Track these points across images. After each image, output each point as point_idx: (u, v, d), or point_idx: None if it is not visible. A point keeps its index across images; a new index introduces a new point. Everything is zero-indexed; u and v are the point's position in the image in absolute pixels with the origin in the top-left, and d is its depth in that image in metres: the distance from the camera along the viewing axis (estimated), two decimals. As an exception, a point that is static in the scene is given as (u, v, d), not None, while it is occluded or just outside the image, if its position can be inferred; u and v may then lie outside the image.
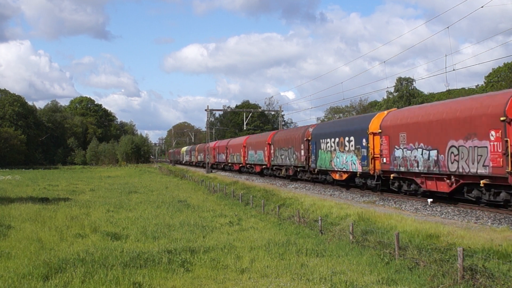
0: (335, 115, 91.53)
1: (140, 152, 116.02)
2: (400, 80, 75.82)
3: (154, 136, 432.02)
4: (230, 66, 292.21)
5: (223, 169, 58.42)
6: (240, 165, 48.36)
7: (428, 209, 17.87)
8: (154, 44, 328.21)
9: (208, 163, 62.13)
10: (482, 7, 21.37)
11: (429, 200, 19.03)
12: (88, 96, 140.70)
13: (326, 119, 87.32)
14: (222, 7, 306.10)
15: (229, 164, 54.12)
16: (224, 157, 55.85)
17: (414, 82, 75.69)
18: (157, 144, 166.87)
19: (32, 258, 11.29)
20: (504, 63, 66.52)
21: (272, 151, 37.79)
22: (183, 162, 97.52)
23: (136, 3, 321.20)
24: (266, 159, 39.06)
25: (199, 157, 75.74)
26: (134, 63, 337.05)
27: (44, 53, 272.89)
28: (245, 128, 73.56)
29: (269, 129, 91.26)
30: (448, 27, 30.25)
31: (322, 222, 14.97)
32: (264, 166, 40.25)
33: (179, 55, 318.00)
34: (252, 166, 44.53)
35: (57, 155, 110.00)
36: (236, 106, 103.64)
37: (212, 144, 65.64)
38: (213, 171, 60.11)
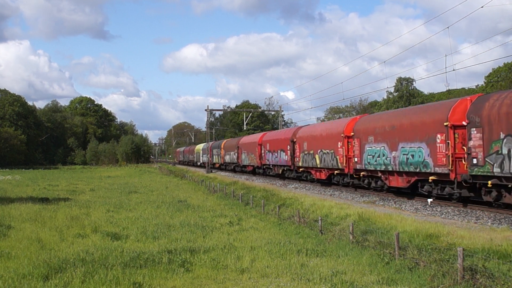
0: (335, 115, 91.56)
1: (140, 152, 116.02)
2: (400, 80, 75.91)
3: (154, 136, 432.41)
4: (230, 66, 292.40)
5: (281, 177, 36.52)
6: (335, 171, 26.29)
7: (428, 209, 17.87)
8: (153, 44, 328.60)
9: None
10: (482, 7, 21.38)
11: (429, 200, 19.03)
12: (88, 96, 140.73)
13: (326, 119, 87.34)
14: (221, 7, 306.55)
15: (301, 170, 31.68)
16: (285, 157, 33.96)
17: (414, 82, 75.80)
18: (157, 144, 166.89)
19: (32, 258, 11.29)
20: (504, 63, 66.55)
21: (481, 141, 15.83)
22: (199, 163, 73.67)
23: (134, 3, 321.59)
24: (445, 160, 17.44)
25: (227, 157, 53.24)
26: (133, 63, 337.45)
27: (44, 53, 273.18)
28: (245, 128, 73.62)
29: (269, 128, 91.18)
30: (448, 27, 30.25)
31: (322, 222, 14.97)
32: (421, 177, 19.07)
33: (178, 55, 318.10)
34: (379, 174, 21.95)
35: (57, 155, 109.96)
36: (236, 106, 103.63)
37: (256, 136, 43.66)
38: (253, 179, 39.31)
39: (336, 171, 26.45)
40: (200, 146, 75.86)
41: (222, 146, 57.13)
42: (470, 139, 16.36)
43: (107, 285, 9.05)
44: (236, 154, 49.69)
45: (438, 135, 17.87)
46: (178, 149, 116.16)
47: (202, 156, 69.91)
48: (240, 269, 10.29)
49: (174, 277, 9.72)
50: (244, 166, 46.99)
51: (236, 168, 50.76)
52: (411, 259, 10.35)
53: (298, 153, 31.46)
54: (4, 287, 9.05)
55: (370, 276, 9.62)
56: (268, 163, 38.98)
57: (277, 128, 74.38)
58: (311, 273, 9.77)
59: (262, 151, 40.28)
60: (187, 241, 13.68)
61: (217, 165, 60.48)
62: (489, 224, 14.51)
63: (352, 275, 9.67)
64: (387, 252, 11.09)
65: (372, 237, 12.62)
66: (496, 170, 15.17)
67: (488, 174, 15.55)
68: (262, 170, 41.25)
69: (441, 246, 11.18)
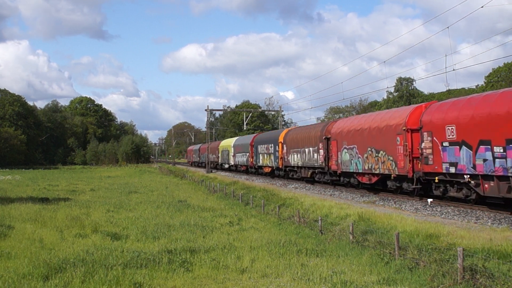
0: (335, 115, 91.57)
1: (140, 152, 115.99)
2: (400, 80, 75.94)
3: (154, 136, 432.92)
4: (229, 66, 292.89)
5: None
6: None
7: (428, 209, 17.87)
8: (152, 44, 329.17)
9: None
10: (482, 7, 21.36)
11: (429, 200, 19.02)
12: (88, 96, 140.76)
13: (326, 119, 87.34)
14: (219, 7, 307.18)
15: None
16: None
17: (414, 82, 75.87)
18: (157, 144, 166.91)
19: (32, 258, 11.28)
20: (504, 63, 66.57)
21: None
22: (226, 166, 55.14)
23: (133, 3, 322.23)
24: None
25: (295, 156, 32.26)
26: (133, 63, 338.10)
27: (43, 53, 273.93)
28: (245, 128, 73.53)
29: (269, 129, 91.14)
30: (448, 27, 30.20)
31: (322, 222, 14.97)
32: None
33: (178, 55, 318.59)
34: None
35: (57, 155, 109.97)
36: (236, 106, 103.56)
37: (386, 115, 22.41)
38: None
39: None
40: (229, 142, 54.71)
41: (281, 139, 35.38)
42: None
43: (107, 285, 9.05)
44: (320, 152, 27.90)
45: None
46: (191, 147, 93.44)
47: (236, 155, 49.68)
48: (240, 269, 10.29)
49: (174, 277, 9.72)
50: (348, 174, 25.10)
51: (320, 177, 28.77)
52: (411, 259, 10.35)
53: None
54: (4, 287, 9.05)
55: (370, 276, 9.62)
56: (454, 171, 17.15)
57: (277, 128, 73.85)
58: (311, 273, 9.77)
59: (423, 145, 18.87)
60: (187, 241, 13.67)
61: (267, 170, 38.67)
62: (489, 224, 14.50)
63: (352, 275, 9.66)
64: (387, 252, 11.09)
65: (372, 237, 12.62)
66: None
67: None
68: (415, 185, 19.43)
69: (441, 246, 11.18)
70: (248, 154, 44.83)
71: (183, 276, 9.83)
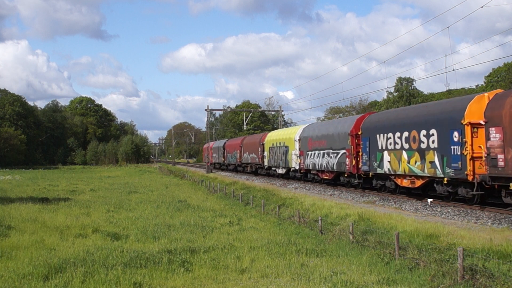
0: (335, 115, 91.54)
1: (140, 152, 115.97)
2: (400, 80, 75.89)
3: (154, 136, 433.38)
4: (228, 66, 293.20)
5: None
6: None
7: (428, 209, 17.87)
8: (151, 44, 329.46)
9: None
10: (482, 7, 21.36)
11: (429, 200, 19.03)
12: (88, 96, 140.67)
13: (326, 119, 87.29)
14: (217, 7, 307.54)
15: None
16: None
17: (414, 82, 75.83)
18: (157, 144, 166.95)
19: (33, 258, 11.28)
20: (504, 63, 66.60)
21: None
22: (280, 171, 35.99)
23: (131, 3, 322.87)
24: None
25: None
26: (132, 63, 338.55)
27: (42, 53, 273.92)
28: (245, 128, 73.44)
29: (269, 129, 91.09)
30: (448, 27, 30.10)
31: (322, 222, 14.97)
32: None
33: (177, 55, 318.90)
34: None
35: (57, 155, 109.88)
36: (236, 106, 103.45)
37: None
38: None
39: None
40: (289, 133, 34.80)
41: (472, 118, 16.02)
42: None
43: (107, 285, 9.05)
44: None
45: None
46: (209, 144, 65.93)
47: (307, 154, 30.32)
48: (240, 269, 10.29)
49: (174, 277, 9.72)
50: None
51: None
52: (411, 259, 10.35)
53: None
54: (4, 287, 9.05)
55: (370, 276, 9.62)
56: None
57: (277, 128, 73.76)
58: (311, 273, 9.77)
59: None
60: (187, 241, 13.68)
61: (407, 183, 20.18)
62: (489, 224, 14.51)
63: (352, 275, 9.66)
64: (387, 252, 11.09)
65: (372, 237, 12.62)
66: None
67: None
68: None
69: (441, 246, 11.18)
70: (343, 151, 25.28)
71: (183, 276, 9.83)
